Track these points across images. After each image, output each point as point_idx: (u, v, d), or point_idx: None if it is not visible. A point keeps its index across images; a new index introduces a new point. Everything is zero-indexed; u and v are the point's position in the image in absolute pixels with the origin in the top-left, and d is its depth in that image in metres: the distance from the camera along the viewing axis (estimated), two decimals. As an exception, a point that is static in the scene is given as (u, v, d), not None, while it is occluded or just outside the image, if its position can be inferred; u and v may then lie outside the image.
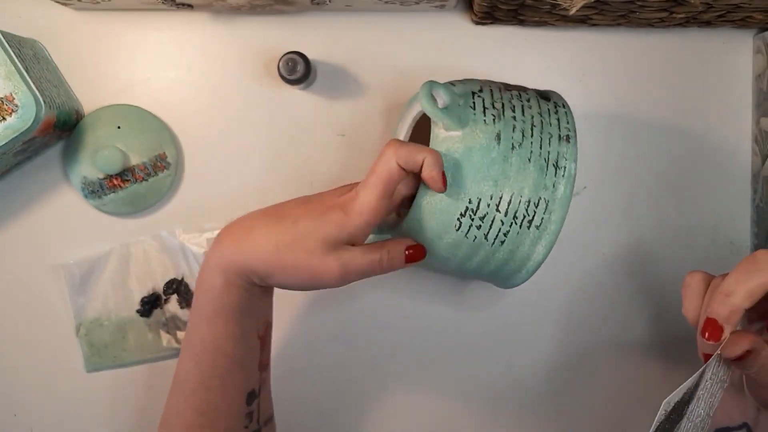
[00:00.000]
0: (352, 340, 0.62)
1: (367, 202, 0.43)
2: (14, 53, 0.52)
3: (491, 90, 0.48)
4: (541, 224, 0.45)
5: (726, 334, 0.39)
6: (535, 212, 0.45)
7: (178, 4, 0.57)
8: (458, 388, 0.62)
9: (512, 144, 0.45)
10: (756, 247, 0.62)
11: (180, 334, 0.60)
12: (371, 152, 0.60)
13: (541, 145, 0.45)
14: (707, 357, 0.40)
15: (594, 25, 0.60)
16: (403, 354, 0.62)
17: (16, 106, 0.51)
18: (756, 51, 0.61)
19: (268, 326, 0.50)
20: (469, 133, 0.45)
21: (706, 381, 0.40)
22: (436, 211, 0.45)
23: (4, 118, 0.51)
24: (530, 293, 0.62)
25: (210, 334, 0.46)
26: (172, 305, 0.61)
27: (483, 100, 0.47)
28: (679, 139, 0.62)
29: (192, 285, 0.60)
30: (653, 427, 0.39)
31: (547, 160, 0.45)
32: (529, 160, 0.45)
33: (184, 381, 0.47)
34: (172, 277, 0.61)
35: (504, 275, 0.48)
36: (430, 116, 0.45)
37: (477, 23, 0.60)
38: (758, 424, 0.45)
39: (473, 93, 0.47)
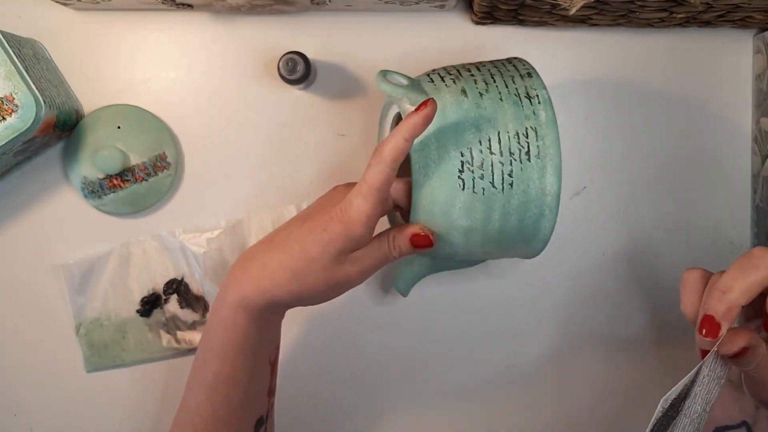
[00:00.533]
0: (351, 341, 0.62)
1: (363, 210, 0.43)
2: (14, 53, 0.52)
3: (443, 68, 0.49)
4: (539, 153, 0.45)
5: (723, 331, 0.39)
6: (528, 143, 0.45)
7: (178, 4, 0.57)
8: (458, 387, 0.62)
9: (479, 92, 0.46)
10: (756, 247, 0.62)
11: (180, 334, 0.60)
12: (371, 152, 0.60)
13: (506, 86, 0.46)
14: (704, 353, 0.40)
15: (594, 25, 0.60)
16: (403, 353, 0.62)
17: (16, 106, 0.51)
18: (756, 51, 0.61)
19: (277, 349, 0.51)
20: (435, 98, 0.45)
21: (703, 377, 0.40)
22: (435, 181, 0.45)
23: (4, 118, 0.51)
24: (530, 293, 0.62)
25: (227, 368, 0.46)
26: (172, 305, 0.61)
27: (437, 73, 0.48)
28: (679, 139, 0.62)
29: (192, 285, 0.60)
30: (651, 425, 0.39)
31: (518, 95, 0.46)
32: (501, 99, 0.46)
33: (194, 412, 0.47)
34: (172, 277, 0.61)
35: (530, 228, 0.47)
36: (392, 96, 0.46)
37: (477, 23, 0.60)
38: (757, 422, 0.45)
39: (427, 74, 0.49)
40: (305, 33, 0.60)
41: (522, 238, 0.47)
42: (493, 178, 0.44)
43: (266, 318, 0.47)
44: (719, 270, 0.41)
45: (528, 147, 0.45)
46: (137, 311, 0.60)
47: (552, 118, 0.45)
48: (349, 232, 0.44)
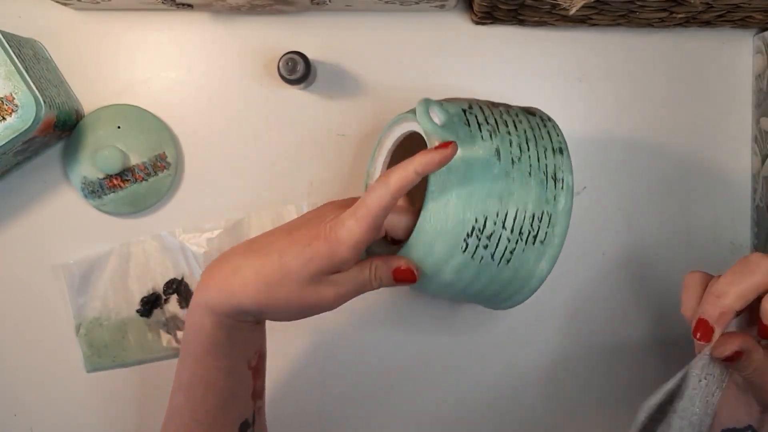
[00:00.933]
0: (351, 342, 0.62)
1: (354, 233, 0.42)
2: (14, 53, 0.52)
3: (480, 107, 0.47)
4: (545, 239, 0.44)
5: (716, 335, 0.40)
6: (539, 227, 0.44)
7: (178, 4, 0.57)
8: (458, 389, 0.62)
9: (512, 159, 0.44)
10: (756, 248, 0.62)
11: (180, 334, 0.60)
12: (370, 152, 0.60)
13: (538, 159, 0.45)
14: None
15: (594, 25, 0.60)
16: (403, 353, 0.62)
17: (16, 106, 0.51)
18: (756, 51, 0.61)
19: (261, 356, 0.49)
20: (468, 150, 0.44)
21: (700, 381, 0.40)
22: (441, 233, 0.44)
23: (4, 118, 0.51)
24: (530, 293, 0.62)
25: (200, 369, 0.45)
26: (172, 305, 0.61)
27: (476, 117, 0.46)
28: (679, 139, 0.62)
29: (192, 285, 0.60)
30: (635, 429, 0.40)
31: (546, 173, 0.45)
32: (530, 174, 0.44)
33: (176, 414, 0.47)
34: (172, 277, 0.61)
35: (505, 296, 0.48)
36: (429, 134, 0.44)
37: (477, 23, 0.60)
38: (763, 425, 0.45)
39: (464, 111, 0.46)
40: (305, 33, 0.60)
41: (494, 302, 0.49)
42: (494, 252, 0.44)
43: (234, 324, 0.45)
44: (720, 272, 0.42)
45: (537, 231, 0.44)
46: (137, 311, 0.60)
47: (569, 209, 0.45)
48: (334, 253, 0.42)
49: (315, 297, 0.43)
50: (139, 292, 0.60)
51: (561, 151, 0.46)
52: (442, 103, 0.47)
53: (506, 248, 0.44)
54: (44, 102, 0.52)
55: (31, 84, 0.51)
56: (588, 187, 0.62)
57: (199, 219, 0.61)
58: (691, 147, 0.62)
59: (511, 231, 0.44)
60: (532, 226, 0.44)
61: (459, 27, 0.61)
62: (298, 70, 0.55)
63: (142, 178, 0.59)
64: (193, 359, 0.45)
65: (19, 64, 0.51)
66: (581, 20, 0.59)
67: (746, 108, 0.62)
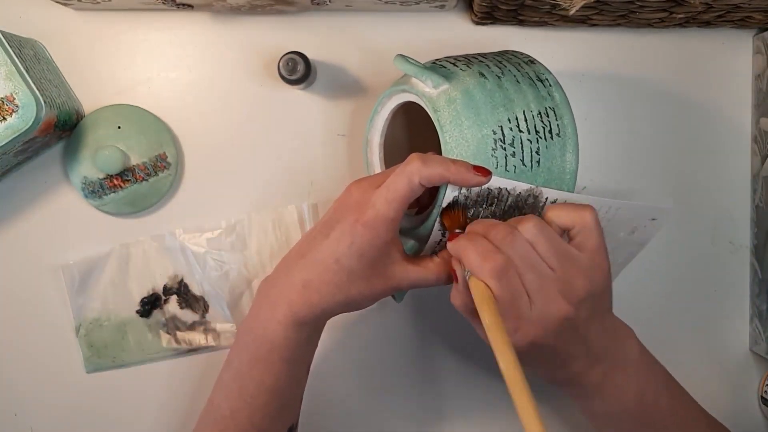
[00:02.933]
0: (355, 344, 0.62)
1: (385, 216, 0.43)
2: (14, 53, 0.52)
3: (445, 58, 0.50)
4: (559, 131, 0.46)
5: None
6: (549, 122, 0.46)
7: (178, 4, 0.57)
8: (458, 387, 0.62)
9: (496, 75, 0.47)
10: (756, 247, 0.62)
11: (180, 335, 0.60)
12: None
13: (518, 69, 0.48)
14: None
15: (594, 25, 0.60)
16: (404, 354, 0.62)
17: (17, 106, 0.51)
18: (756, 51, 0.61)
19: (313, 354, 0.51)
20: (455, 81, 0.46)
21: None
22: (468, 159, 0.45)
23: (4, 119, 0.51)
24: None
25: (270, 377, 0.46)
26: (172, 306, 0.61)
27: (446, 60, 0.49)
28: (679, 139, 0.62)
29: (192, 285, 0.60)
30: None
31: (531, 78, 0.47)
32: (518, 81, 0.47)
33: (229, 418, 0.47)
34: (171, 277, 0.60)
35: None
36: (416, 76, 0.47)
37: (477, 23, 0.60)
38: None
39: (434, 61, 0.50)
40: (305, 33, 0.60)
41: None
42: (523, 156, 0.45)
43: (317, 328, 0.48)
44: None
45: (550, 125, 0.46)
46: (137, 312, 0.60)
47: (566, 99, 0.47)
48: (376, 240, 0.43)
49: (383, 283, 0.45)
50: (138, 292, 0.60)
51: (533, 62, 0.49)
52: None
53: (531, 149, 0.45)
54: (45, 102, 0.52)
55: (32, 84, 0.51)
56: (588, 188, 0.62)
57: (199, 219, 0.61)
58: (690, 147, 0.62)
59: (528, 132, 0.45)
60: (543, 122, 0.46)
61: (459, 27, 0.61)
62: (298, 70, 0.55)
63: (142, 178, 0.59)
64: (263, 368, 0.46)
65: (19, 65, 0.51)
66: (581, 20, 0.59)
67: (746, 108, 0.62)
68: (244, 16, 0.60)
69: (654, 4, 0.54)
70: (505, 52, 0.51)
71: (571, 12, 0.51)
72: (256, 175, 0.61)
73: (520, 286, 0.41)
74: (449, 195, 0.44)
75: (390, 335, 0.62)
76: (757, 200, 0.61)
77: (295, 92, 0.61)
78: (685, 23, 0.59)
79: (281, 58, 0.55)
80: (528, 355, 0.42)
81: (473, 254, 0.42)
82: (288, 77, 0.56)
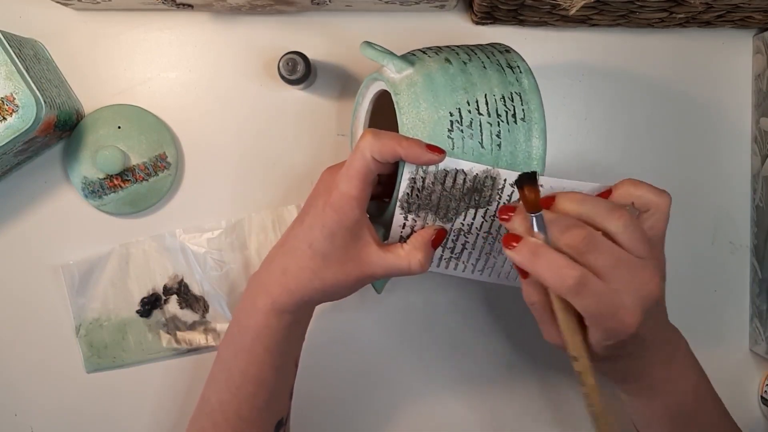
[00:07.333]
0: (349, 341, 0.62)
1: (349, 194, 0.43)
2: (15, 53, 0.52)
3: (419, 49, 0.50)
4: (525, 116, 0.46)
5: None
6: (513, 106, 0.46)
7: (178, 4, 0.57)
8: (457, 387, 0.62)
9: (462, 60, 0.47)
10: (756, 247, 0.62)
11: (180, 335, 0.60)
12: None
13: (488, 57, 0.48)
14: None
15: (594, 25, 0.60)
16: (403, 354, 0.62)
17: (17, 106, 0.51)
18: (756, 51, 0.61)
19: (300, 349, 0.51)
20: (420, 65, 0.46)
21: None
22: (425, 139, 0.44)
23: (4, 118, 0.51)
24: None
25: (254, 368, 0.47)
26: (172, 306, 0.61)
27: (419, 50, 0.49)
28: (679, 139, 0.62)
29: (192, 285, 0.60)
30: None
31: (500, 65, 0.47)
32: (485, 67, 0.47)
33: (217, 410, 0.48)
34: (171, 277, 0.60)
35: None
36: (379, 61, 0.47)
37: (477, 23, 0.60)
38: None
39: (409, 52, 0.50)
40: (305, 33, 0.60)
41: None
42: (482, 138, 0.45)
43: (298, 318, 0.48)
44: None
45: (514, 110, 0.46)
46: (137, 312, 0.60)
47: (535, 86, 0.47)
48: (344, 219, 0.44)
49: (358, 269, 0.45)
50: (138, 292, 0.60)
51: (508, 51, 0.49)
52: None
53: (492, 132, 0.45)
54: (45, 102, 0.52)
55: (32, 84, 0.51)
56: (588, 187, 0.62)
57: (199, 219, 0.61)
58: (690, 147, 0.62)
59: (488, 114, 0.45)
60: (506, 106, 0.46)
61: (459, 27, 0.61)
62: (298, 70, 0.55)
63: (142, 178, 0.59)
64: (248, 358, 0.47)
65: (19, 65, 0.51)
66: (581, 20, 0.59)
67: (746, 108, 0.62)
68: (244, 16, 0.60)
69: (654, 4, 0.54)
70: (487, 44, 0.51)
71: (571, 12, 0.51)
72: (256, 174, 0.61)
73: (604, 288, 0.40)
74: (406, 176, 0.44)
75: (381, 332, 0.62)
76: (757, 200, 0.61)
77: (295, 92, 0.61)
78: (685, 23, 0.59)
79: (281, 58, 0.55)
80: (623, 347, 0.42)
81: (546, 272, 0.40)
82: (288, 77, 0.56)
